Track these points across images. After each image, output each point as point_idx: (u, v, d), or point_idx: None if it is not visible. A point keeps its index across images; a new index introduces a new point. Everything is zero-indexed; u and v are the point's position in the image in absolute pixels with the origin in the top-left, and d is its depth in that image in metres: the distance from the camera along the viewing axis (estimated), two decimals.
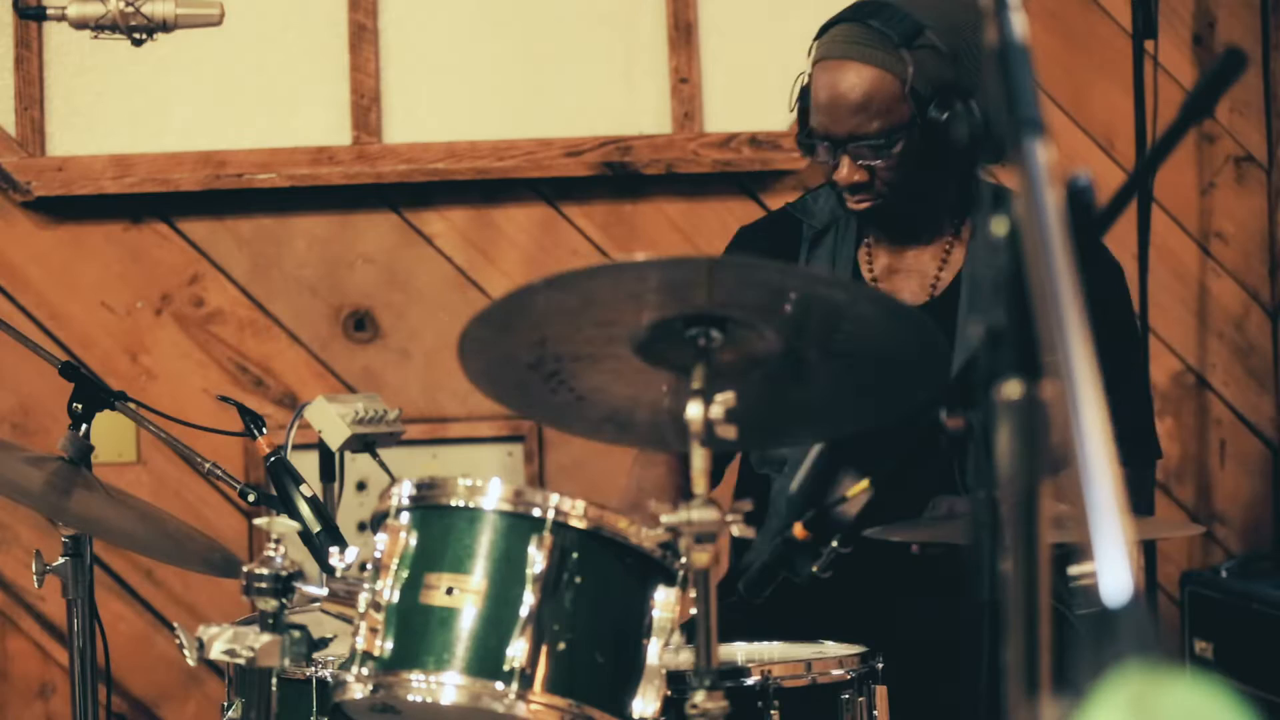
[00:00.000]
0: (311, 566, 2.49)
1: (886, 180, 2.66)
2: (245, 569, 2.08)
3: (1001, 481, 1.31)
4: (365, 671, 2.06)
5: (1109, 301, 2.77)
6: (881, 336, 2.07)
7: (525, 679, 2.02)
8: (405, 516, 2.12)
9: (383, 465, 2.81)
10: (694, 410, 1.97)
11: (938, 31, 2.62)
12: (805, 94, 2.73)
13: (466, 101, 3.84)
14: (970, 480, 1.47)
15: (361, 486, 3.78)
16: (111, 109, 3.79)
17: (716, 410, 1.97)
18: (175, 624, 2.15)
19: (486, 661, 2.02)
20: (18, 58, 3.75)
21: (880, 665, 2.38)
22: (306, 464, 2.80)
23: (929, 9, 2.64)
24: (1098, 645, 1.04)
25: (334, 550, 2.19)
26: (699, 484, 1.98)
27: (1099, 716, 0.99)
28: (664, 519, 1.98)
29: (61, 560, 2.66)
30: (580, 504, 2.07)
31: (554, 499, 2.08)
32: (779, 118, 3.84)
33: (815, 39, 2.72)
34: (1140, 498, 2.86)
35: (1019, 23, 1.37)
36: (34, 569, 2.64)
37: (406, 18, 3.84)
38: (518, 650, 2.02)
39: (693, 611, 1.99)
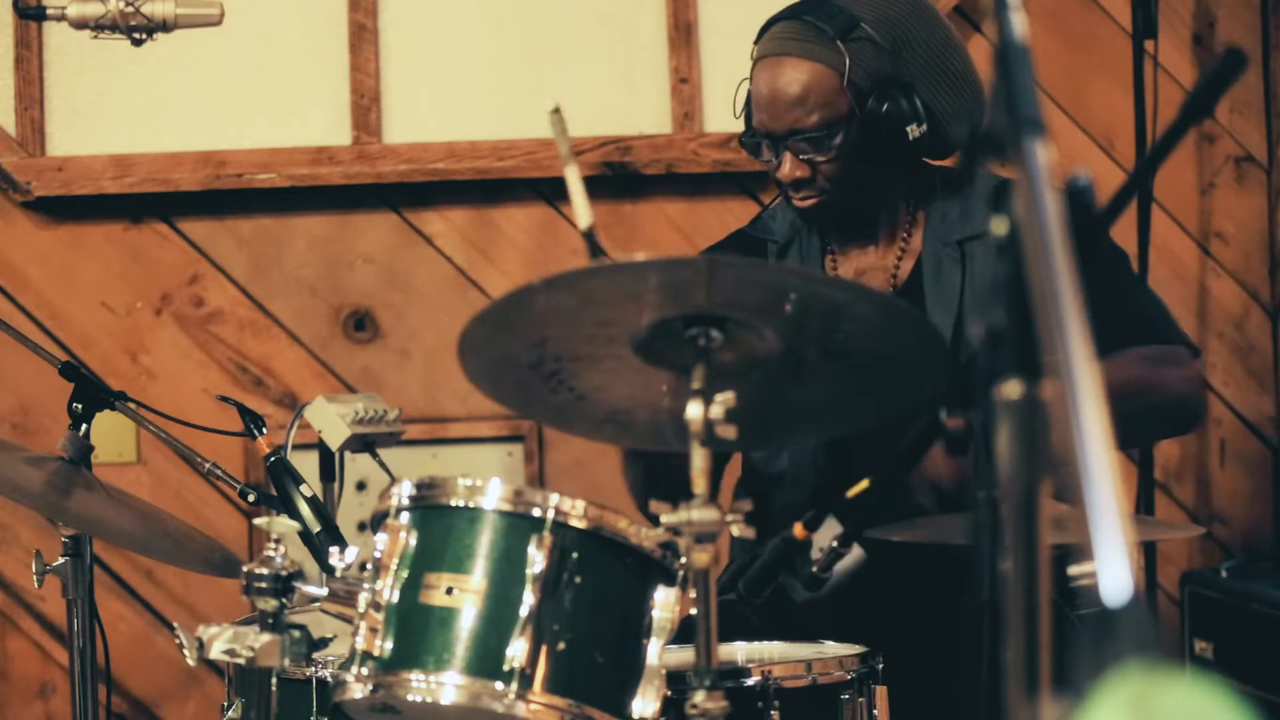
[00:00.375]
0: (311, 566, 2.49)
1: (828, 175, 2.68)
2: (245, 569, 2.08)
3: (1002, 481, 1.31)
4: (365, 671, 2.06)
5: (1108, 255, 2.78)
6: (881, 336, 2.07)
7: (525, 679, 2.02)
8: (405, 516, 2.12)
9: (383, 465, 2.81)
10: (694, 410, 1.97)
11: (873, 24, 2.65)
12: (749, 95, 2.75)
13: (466, 101, 3.84)
14: (971, 480, 1.47)
15: (361, 486, 3.78)
16: (111, 109, 3.79)
17: (716, 410, 1.97)
18: (175, 624, 2.15)
19: (486, 661, 2.02)
20: (18, 58, 3.75)
21: (880, 665, 2.38)
22: (306, 464, 2.80)
23: (864, 3, 2.67)
24: (1098, 645, 1.04)
25: (334, 550, 2.19)
26: (699, 484, 1.98)
27: (1099, 716, 0.99)
28: (664, 519, 1.98)
29: (61, 560, 2.66)
30: (580, 504, 2.07)
31: (554, 499, 2.08)
32: None
33: (755, 40, 2.74)
34: (1186, 381, 2.76)
35: (1019, 23, 1.37)
36: (34, 569, 2.64)
37: (406, 18, 3.84)
38: (517, 650, 2.02)
39: (693, 611, 1.99)
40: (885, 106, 2.63)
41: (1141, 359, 2.68)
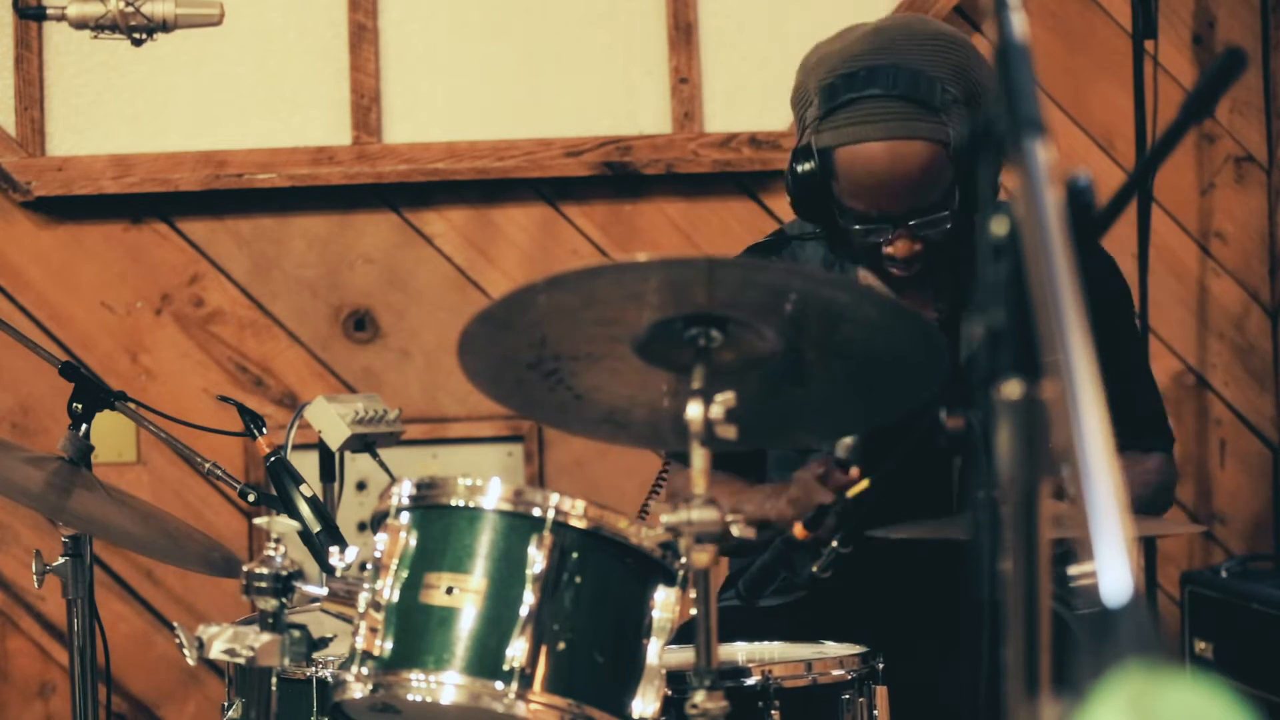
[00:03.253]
0: (311, 566, 2.49)
1: (938, 244, 2.58)
2: (245, 569, 2.08)
3: (1001, 481, 1.31)
4: (365, 671, 2.06)
5: (1111, 299, 2.77)
6: (881, 336, 2.07)
7: (525, 679, 2.02)
8: (405, 516, 2.12)
9: (383, 465, 2.81)
10: (694, 410, 1.97)
11: (952, 82, 2.54)
12: (824, 172, 2.57)
13: (466, 101, 3.84)
14: (971, 480, 1.47)
15: (361, 486, 3.78)
16: (111, 109, 3.79)
17: (716, 410, 1.97)
18: (175, 624, 2.15)
19: (486, 661, 2.02)
20: (18, 58, 3.75)
21: (880, 665, 2.38)
22: (306, 464, 2.80)
23: (932, 59, 2.55)
24: (1098, 645, 1.04)
25: (334, 550, 2.19)
26: (699, 484, 1.98)
27: (1099, 716, 0.99)
28: (664, 519, 1.98)
29: (61, 560, 2.66)
30: (580, 504, 2.07)
31: (554, 499, 2.08)
32: (779, 118, 3.84)
33: (821, 119, 2.57)
34: (1171, 484, 2.84)
35: (1019, 23, 1.37)
36: (34, 569, 2.64)
37: (406, 18, 3.84)
38: (517, 650, 2.02)
39: (693, 612, 1.99)
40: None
41: (1145, 483, 2.72)
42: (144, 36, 2.67)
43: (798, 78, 2.64)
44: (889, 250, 2.58)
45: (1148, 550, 3.77)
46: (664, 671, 2.07)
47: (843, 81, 2.55)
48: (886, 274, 2.64)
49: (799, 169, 2.58)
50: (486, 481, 2.09)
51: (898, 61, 2.53)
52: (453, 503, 2.11)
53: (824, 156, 2.56)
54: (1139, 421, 2.76)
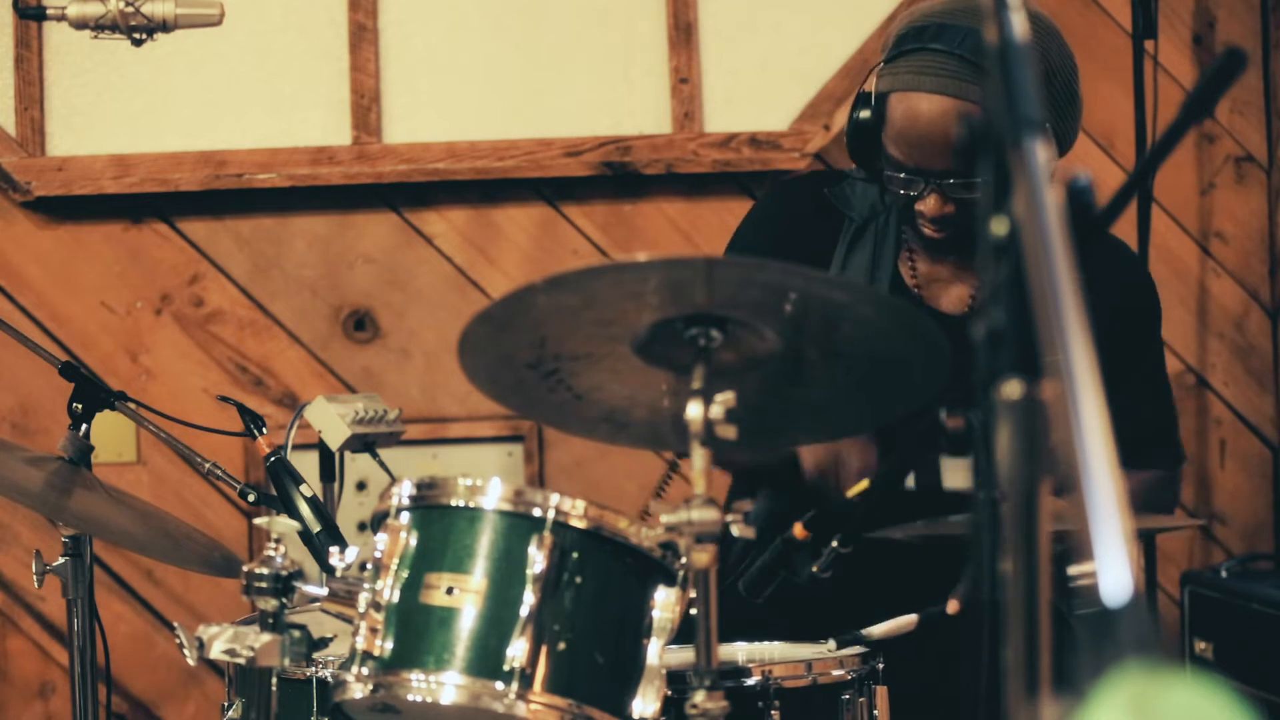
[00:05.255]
0: (311, 566, 2.49)
1: (971, 210, 2.58)
2: (245, 569, 2.08)
3: (1002, 481, 1.31)
4: (365, 671, 2.06)
5: (1143, 314, 2.79)
6: (881, 336, 2.07)
7: (525, 679, 2.02)
8: (405, 516, 2.12)
9: (383, 465, 2.81)
10: (694, 410, 1.97)
11: None
12: (877, 117, 2.61)
13: (466, 101, 3.84)
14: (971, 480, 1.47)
15: (361, 486, 3.78)
16: (111, 109, 3.79)
17: (716, 410, 1.97)
18: (175, 624, 2.15)
19: (486, 661, 2.02)
20: (18, 58, 3.75)
21: (880, 665, 2.38)
22: (306, 464, 2.80)
23: None
24: (1098, 645, 1.04)
25: (334, 550, 2.19)
26: (699, 484, 1.98)
27: (1099, 716, 0.99)
28: (664, 519, 1.98)
29: (61, 560, 2.66)
30: (580, 504, 2.07)
31: (554, 499, 2.08)
32: (779, 117, 3.84)
33: (887, 60, 2.61)
34: (1169, 501, 2.85)
35: (1019, 23, 1.37)
36: (34, 569, 2.64)
37: (406, 18, 3.84)
38: (518, 650, 2.02)
39: (693, 611, 1.99)
40: None
41: (1134, 495, 2.73)
42: (144, 36, 2.67)
43: (889, 28, 2.70)
44: (920, 206, 2.61)
45: (1148, 550, 3.77)
46: (664, 671, 2.07)
47: (914, 32, 2.59)
48: (920, 233, 2.66)
49: (857, 114, 2.65)
50: (486, 481, 2.09)
51: (974, 24, 2.55)
52: (453, 503, 2.11)
53: (879, 100, 2.61)
54: (1143, 437, 2.75)
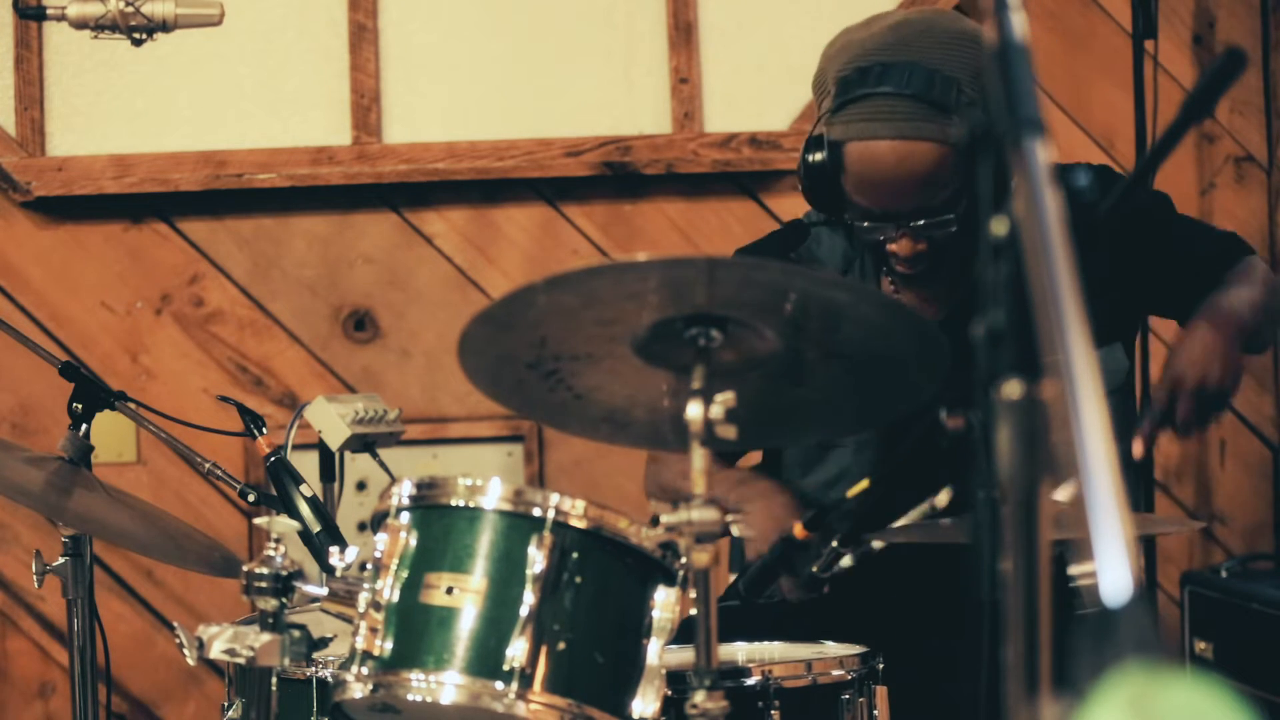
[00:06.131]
0: (311, 566, 2.49)
1: (943, 244, 2.57)
2: (245, 569, 2.08)
3: (1002, 481, 1.31)
4: (365, 671, 2.06)
5: (1149, 217, 2.81)
6: (881, 337, 2.07)
7: (525, 679, 2.02)
8: (405, 516, 2.12)
9: (383, 465, 2.81)
10: (694, 410, 1.97)
11: (969, 84, 2.52)
12: (834, 164, 2.57)
13: (466, 101, 3.84)
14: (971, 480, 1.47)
15: (361, 486, 3.78)
16: (111, 109, 3.79)
17: (716, 410, 1.97)
18: (175, 624, 2.15)
19: (486, 661, 2.02)
20: (18, 58, 3.75)
21: (880, 665, 2.38)
22: (306, 464, 2.80)
23: (951, 59, 2.53)
24: (1098, 645, 1.04)
25: (334, 550, 2.19)
26: (699, 484, 1.98)
27: (1099, 716, 0.99)
28: (664, 519, 1.98)
29: (61, 560, 2.66)
30: (580, 504, 2.07)
31: (554, 499, 2.08)
32: (779, 118, 3.84)
33: (833, 112, 2.56)
34: (1268, 272, 2.83)
35: (1019, 23, 1.37)
36: (34, 569, 2.64)
37: (406, 18, 3.84)
38: (517, 650, 2.02)
39: (693, 611, 2.00)
40: None
41: (1246, 282, 2.74)
42: (144, 36, 2.67)
43: (820, 63, 2.64)
44: (892, 248, 2.58)
45: (1148, 550, 3.77)
46: (664, 671, 2.07)
47: (858, 75, 2.54)
48: (892, 270, 2.64)
49: (810, 158, 2.59)
50: (486, 481, 2.09)
51: (916, 59, 2.51)
52: (453, 503, 2.11)
53: (834, 149, 2.56)
54: (1225, 252, 2.79)
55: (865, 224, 2.57)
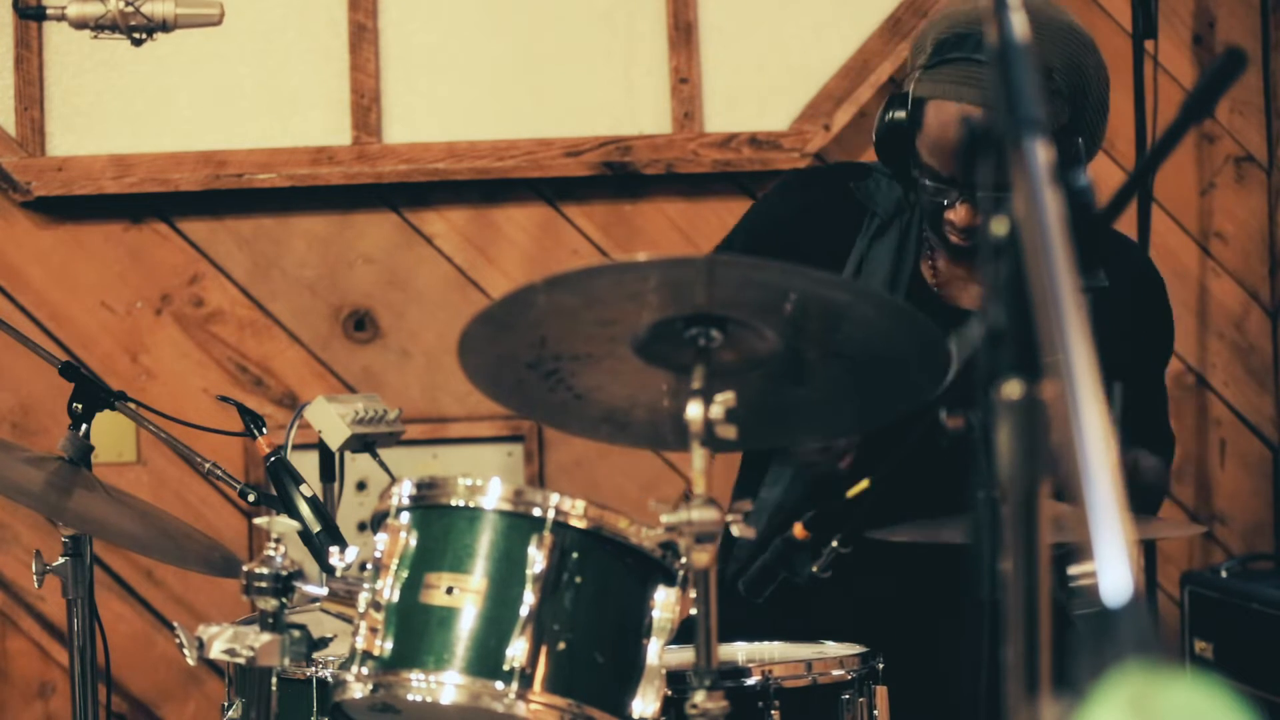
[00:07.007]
0: (311, 566, 2.49)
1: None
2: (245, 569, 2.08)
3: (1002, 481, 1.31)
4: (365, 671, 2.06)
5: (1158, 318, 2.82)
6: (881, 337, 2.07)
7: (525, 678, 2.02)
8: (405, 516, 2.12)
9: (383, 465, 2.81)
10: (694, 410, 1.97)
11: (1062, 72, 2.53)
12: (912, 120, 2.59)
13: (466, 101, 3.84)
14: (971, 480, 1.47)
15: (361, 486, 3.78)
16: (111, 109, 3.79)
17: (716, 410, 1.97)
18: (175, 624, 2.15)
19: (486, 661, 2.02)
20: (18, 58, 3.75)
21: (880, 665, 2.38)
22: (306, 464, 2.80)
23: (1056, 47, 2.54)
24: (1098, 645, 1.04)
25: (334, 550, 2.19)
26: (699, 484, 1.98)
27: (1099, 716, 0.99)
28: (664, 519, 1.98)
29: (61, 560, 2.66)
30: (580, 504, 2.08)
31: (554, 499, 2.08)
32: (779, 118, 3.84)
33: (927, 66, 2.58)
34: (1167, 484, 2.91)
35: (1019, 23, 1.37)
36: (34, 569, 2.64)
37: (406, 18, 3.84)
38: (518, 650, 2.02)
39: (693, 611, 2.00)
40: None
41: (1156, 470, 2.78)
42: (144, 36, 2.67)
43: (921, 27, 2.68)
44: (950, 215, 2.61)
45: (1148, 550, 3.77)
46: (664, 671, 2.07)
47: (955, 40, 2.57)
48: (944, 240, 2.66)
49: (890, 115, 2.63)
50: (486, 481, 2.10)
51: None
52: (453, 503, 2.11)
53: (917, 105, 2.59)
54: (1145, 429, 2.77)
55: (930, 183, 2.60)
